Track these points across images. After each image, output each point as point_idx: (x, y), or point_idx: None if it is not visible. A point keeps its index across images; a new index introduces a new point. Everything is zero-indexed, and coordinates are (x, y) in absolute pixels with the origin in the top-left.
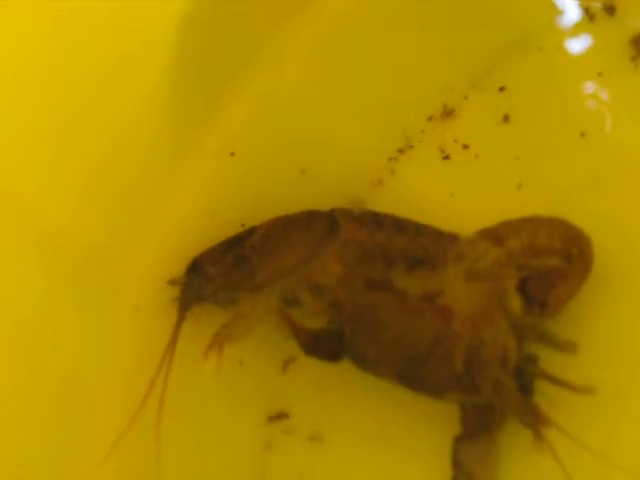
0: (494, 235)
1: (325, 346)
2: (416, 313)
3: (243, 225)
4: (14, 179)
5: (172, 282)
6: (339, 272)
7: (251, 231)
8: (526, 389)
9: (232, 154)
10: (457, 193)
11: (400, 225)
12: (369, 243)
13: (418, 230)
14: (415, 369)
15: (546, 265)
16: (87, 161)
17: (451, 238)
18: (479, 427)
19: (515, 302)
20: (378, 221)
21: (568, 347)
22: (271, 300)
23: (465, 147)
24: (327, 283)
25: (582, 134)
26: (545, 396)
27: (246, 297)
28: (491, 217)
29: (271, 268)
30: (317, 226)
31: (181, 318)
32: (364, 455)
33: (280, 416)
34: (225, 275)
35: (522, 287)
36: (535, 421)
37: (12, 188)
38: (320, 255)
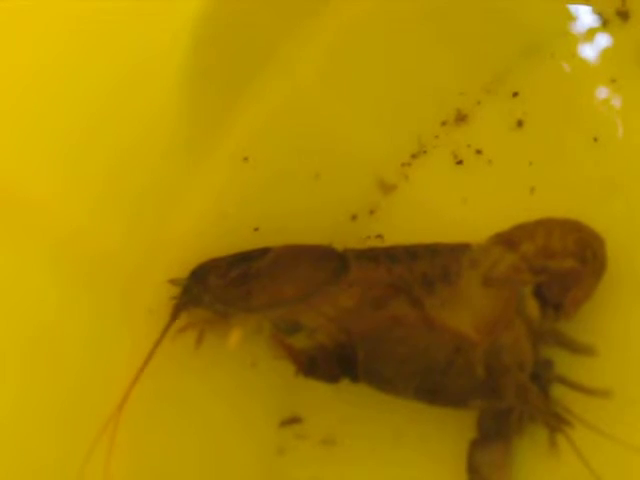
0: (508, 239)
1: (323, 367)
2: (431, 325)
3: (257, 229)
4: (30, 184)
5: (173, 282)
6: (338, 310)
7: (264, 252)
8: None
9: (245, 159)
10: (470, 198)
11: (413, 252)
12: (389, 280)
13: (431, 251)
14: (436, 381)
15: (560, 267)
16: (102, 166)
17: (464, 248)
18: (495, 431)
19: (532, 306)
20: (391, 255)
21: (586, 350)
22: (262, 324)
23: (478, 152)
24: (321, 319)
25: (595, 139)
26: (562, 401)
27: (239, 315)
28: (504, 222)
29: (268, 295)
30: (325, 265)
31: (173, 318)
32: (377, 459)
33: (293, 420)
34: (224, 289)
35: (537, 290)
36: (559, 422)
37: (28, 192)
38: (320, 293)
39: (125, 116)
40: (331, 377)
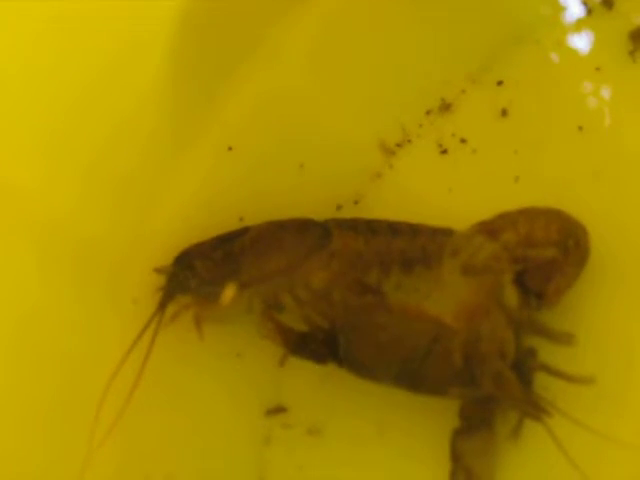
0: (490, 228)
1: (311, 346)
2: (410, 313)
3: (241, 219)
4: (13, 171)
5: (159, 270)
6: (322, 282)
7: (244, 230)
8: (525, 382)
9: (230, 148)
10: (455, 187)
11: (394, 228)
12: (367, 251)
13: (413, 230)
14: (414, 369)
15: (542, 257)
16: (86, 154)
17: (446, 233)
18: (478, 420)
19: (512, 295)
20: (372, 228)
21: (566, 339)
22: (253, 301)
23: (463, 141)
24: (308, 292)
25: (580, 128)
26: (544, 389)
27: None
28: (489, 211)
29: (255, 270)
30: (308, 235)
31: (161, 307)
32: (362, 448)
33: (278, 410)
34: (210, 270)
35: (519, 280)
36: (537, 411)
37: (11, 180)
38: (306, 264)
39: (109, 104)
40: (319, 356)
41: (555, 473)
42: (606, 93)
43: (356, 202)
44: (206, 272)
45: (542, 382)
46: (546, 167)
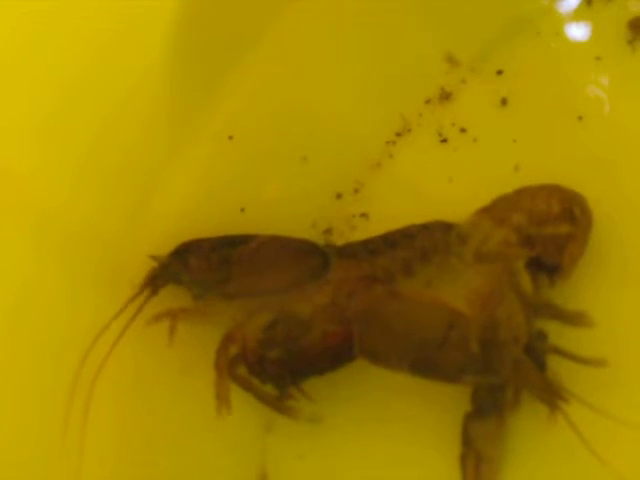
0: (494, 214)
1: (270, 369)
2: (423, 301)
3: (243, 210)
4: (8, 157)
5: (155, 258)
6: (309, 309)
7: (248, 238)
8: (538, 365)
9: (230, 138)
10: (455, 176)
11: (390, 241)
12: (372, 271)
13: (408, 236)
14: (430, 357)
15: (557, 233)
16: (83, 141)
17: (436, 224)
18: (490, 405)
19: (525, 279)
20: (370, 249)
21: (583, 320)
22: (237, 314)
23: (463, 130)
24: (302, 315)
25: (579, 117)
26: (556, 372)
27: (215, 300)
28: (489, 199)
29: (246, 283)
30: (308, 262)
31: (144, 288)
32: (365, 437)
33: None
34: (202, 272)
35: (534, 261)
36: (554, 396)
37: (6, 167)
38: (298, 291)
39: (106, 91)
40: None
41: (568, 458)
42: (605, 82)
43: (356, 191)
44: (198, 272)
45: (552, 366)
46: (546, 156)
